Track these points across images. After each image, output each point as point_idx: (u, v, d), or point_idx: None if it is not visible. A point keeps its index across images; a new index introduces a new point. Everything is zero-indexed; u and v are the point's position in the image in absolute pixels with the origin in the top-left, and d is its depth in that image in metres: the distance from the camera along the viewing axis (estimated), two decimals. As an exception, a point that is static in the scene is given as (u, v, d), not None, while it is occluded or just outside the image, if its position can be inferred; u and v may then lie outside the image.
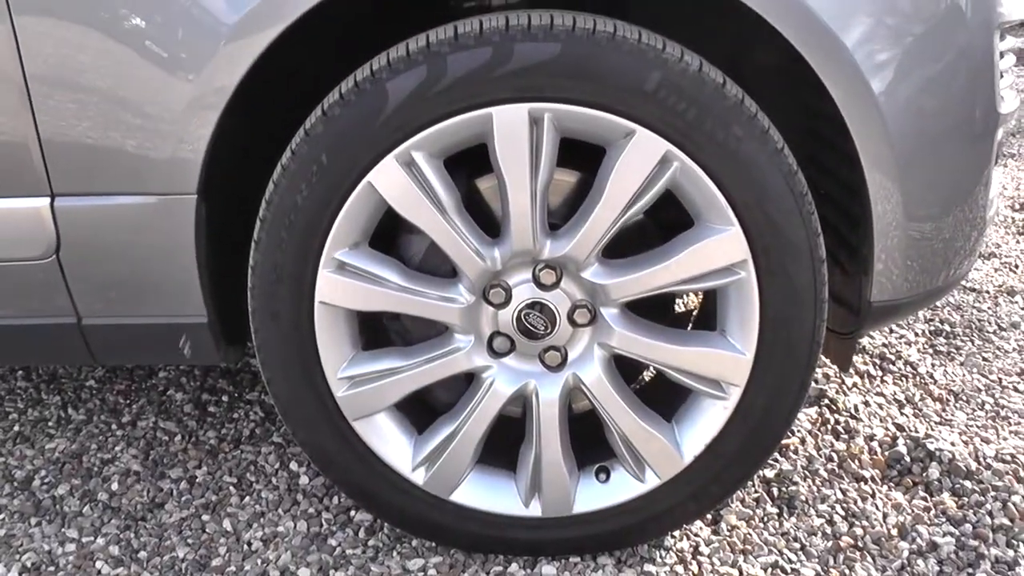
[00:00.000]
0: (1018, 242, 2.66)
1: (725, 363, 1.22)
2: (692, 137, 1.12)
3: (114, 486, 1.57)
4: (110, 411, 1.82)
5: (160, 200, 1.19)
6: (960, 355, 1.96)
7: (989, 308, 2.19)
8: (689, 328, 1.50)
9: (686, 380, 1.24)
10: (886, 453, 1.59)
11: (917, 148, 1.18)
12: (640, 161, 1.13)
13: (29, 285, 1.26)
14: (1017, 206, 2.97)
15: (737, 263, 1.17)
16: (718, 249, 1.17)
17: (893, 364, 1.91)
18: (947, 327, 2.08)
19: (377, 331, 1.34)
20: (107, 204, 1.20)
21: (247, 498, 1.53)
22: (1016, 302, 2.23)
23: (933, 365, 1.91)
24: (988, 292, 2.28)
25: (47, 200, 1.21)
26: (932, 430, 1.66)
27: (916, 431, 1.65)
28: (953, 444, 1.59)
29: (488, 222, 1.23)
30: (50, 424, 1.78)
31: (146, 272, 1.24)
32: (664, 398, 1.32)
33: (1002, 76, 1.29)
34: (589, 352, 1.25)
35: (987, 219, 1.35)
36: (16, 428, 1.77)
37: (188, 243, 1.21)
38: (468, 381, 1.31)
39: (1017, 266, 2.46)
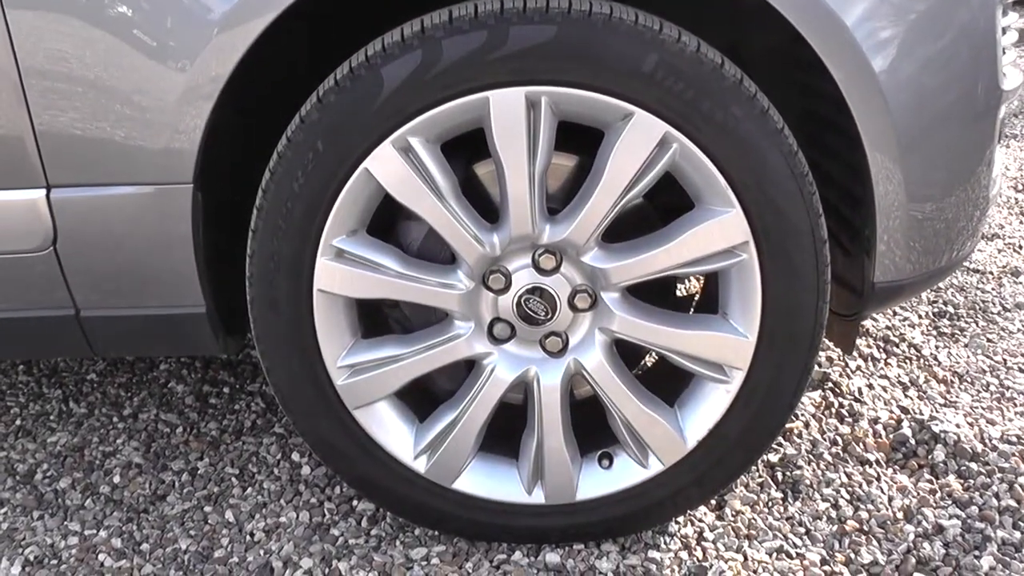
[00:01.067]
0: (1022, 223, 2.64)
1: (727, 346, 1.21)
2: (691, 118, 1.11)
3: (116, 479, 1.57)
4: (111, 404, 1.82)
5: (156, 190, 1.18)
6: (964, 336, 1.94)
7: (993, 289, 2.17)
8: (691, 312, 1.49)
9: (688, 364, 1.24)
10: (891, 436, 1.58)
11: (919, 127, 1.17)
12: (639, 143, 1.12)
13: (27, 277, 1.26)
14: (1020, 187, 2.95)
15: (738, 245, 1.16)
16: (719, 231, 1.15)
17: (897, 346, 1.90)
18: (951, 309, 2.07)
19: (376, 319, 1.33)
20: (103, 195, 1.19)
21: (249, 489, 1.53)
22: (1020, 283, 2.21)
23: (937, 347, 1.90)
24: (992, 273, 2.27)
25: (43, 192, 1.20)
26: (937, 412, 1.65)
27: (921, 413, 1.64)
28: (958, 426, 1.58)
29: (487, 208, 1.22)
30: (51, 418, 1.78)
31: (144, 263, 1.23)
32: (666, 383, 1.31)
33: (1004, 52, 1.27)
34: (590, 337, 1.24)
35: (990, 198, 1.34)
36: (18, 422, 1.77)
37: (185, 233, 1.21)
38: (469, 368, 1.30)
39: (1021, 247, 2.45)
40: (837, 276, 1.34)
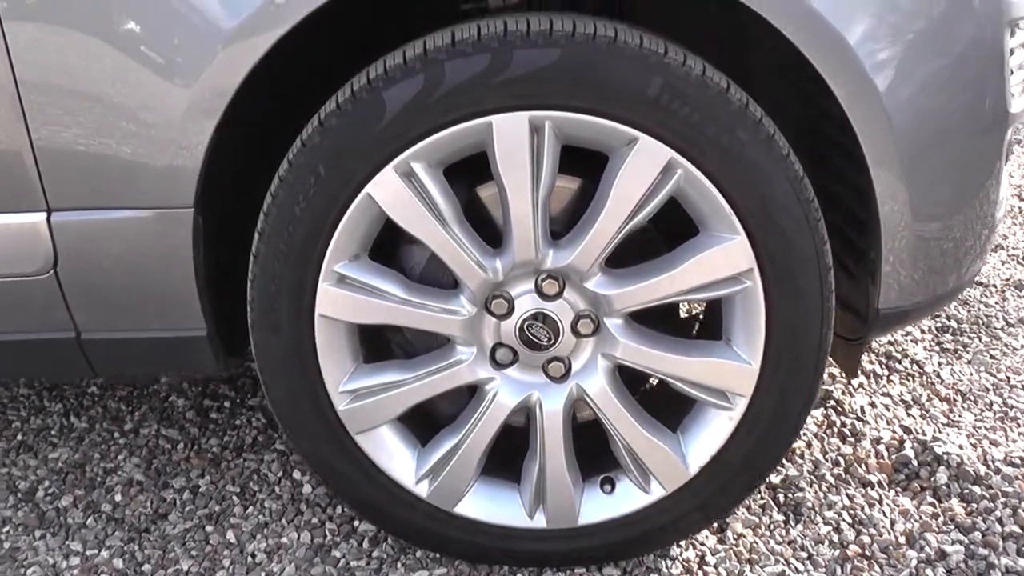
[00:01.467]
0: (1025, 234, 2.63)
1: (731, 373, 1.21)
2: (696, 143, 1.10)
3: (117, 497, 1.57)
4: (112, 418, 1.81)
5: (157, 214, 1.18)
6: (967, 353, 1.94)
7: (996, 303, 2.16)
8: (695, 332, 1.48)
9: (691, 391, 1.23)
10: (893, 457, 1.57)
11: (924, 149, 1.16)
12: (643, 169, 1.11)
13: (27, 300, 1.25)
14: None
15: (743, 272, 1.15)
16: (723, 258, 1.15)
17: (899, 363, 1.89)
18: (954, 323, 2.06)
19: (378, 343, 1.32)
20: (104, 219, 1.19)
21: (250, 508, 1.52)
22: (1023, 296, 2.21)
23: (940, 364, 1.89)
24: (995, 286, 2.26)
25: (43, 215, 1.19)
26: (940, 432, 1.64)
27: (923, 433, 1.63)
28: (961, 447, 1.58)
29: (490, 230, 1.21)
30: (53, 433, 1.77)
31: (145, 286, 1.23)
32: (669, 407, 1.30)
33: (1012, 73, 1.26)
34: (593, 363, 1.24)
35: (996, 219, 1.33)
36: (19, 437, 1.76)
37: (186, 256, 1.20)
38: (471, 393, 1.29)
39: (1025, 259, 2.44)
40: (842, 300, 1.33)
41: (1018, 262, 2.41)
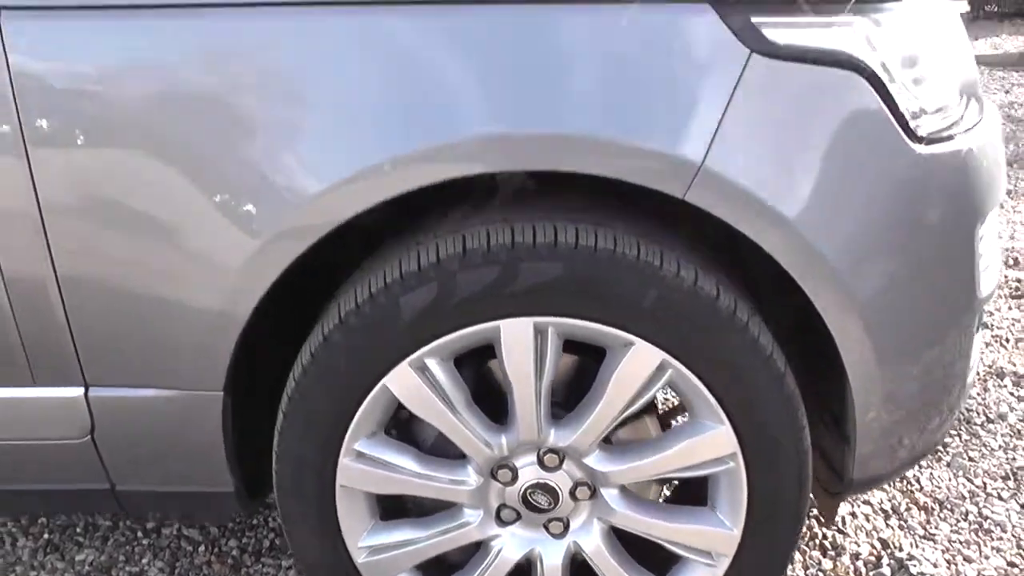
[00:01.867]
0: (1011, 308, 2.71)
1: (715, 538, 1.32)
2: (686, 348, 1.19)
3: (145, 607, 1.68)
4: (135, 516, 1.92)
5: (187, 395, 1.27)
6: (947, 454, 2.04)
7: (978, 395, 2.26)
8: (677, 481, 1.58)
9: (679, 550, 1.34)
10: (871, 574, 1.68)
11: (896, 335, 1.24)
12: (638, 368, 1.21)
13: (66, 458, 1.35)
14: (1011, 261, 3.00)
15: (727, 455, 1.25)
16: (710, 444, 1.25)
17: (881, 464, 1.99)
18: (936, 417, 2.15)
19: (394, 499, 1.42)
20: (137, 395, 1.29)
21: (270, 620, 1.64)
22: (1005, 386, 2.30)
23: (920, 467, 1.99)
24: (978, 374, 2.35)
25: (81, 390, 1.29)
26: (916, 546, 1.75)
27: (900, 548, 1.74)
28: (936, 565, 1.69)
29: (501, 399, 1.30)
30: (78, 531, 1.88)
31: (176, 452, 1.33)
32: (658, 554, 1.41)
33: (981, 256, 1.34)
34: (589, 523, 1.35)
35: (967, 385, 1.43)
36: (46, 535, 1.87)
37: (215, 429, 1.30)
38: (477, 544, 1.40)
39: (1008, 340, 2.52)
40: (821, 451, 1.43)
41: (1002, 345, 2.50)
